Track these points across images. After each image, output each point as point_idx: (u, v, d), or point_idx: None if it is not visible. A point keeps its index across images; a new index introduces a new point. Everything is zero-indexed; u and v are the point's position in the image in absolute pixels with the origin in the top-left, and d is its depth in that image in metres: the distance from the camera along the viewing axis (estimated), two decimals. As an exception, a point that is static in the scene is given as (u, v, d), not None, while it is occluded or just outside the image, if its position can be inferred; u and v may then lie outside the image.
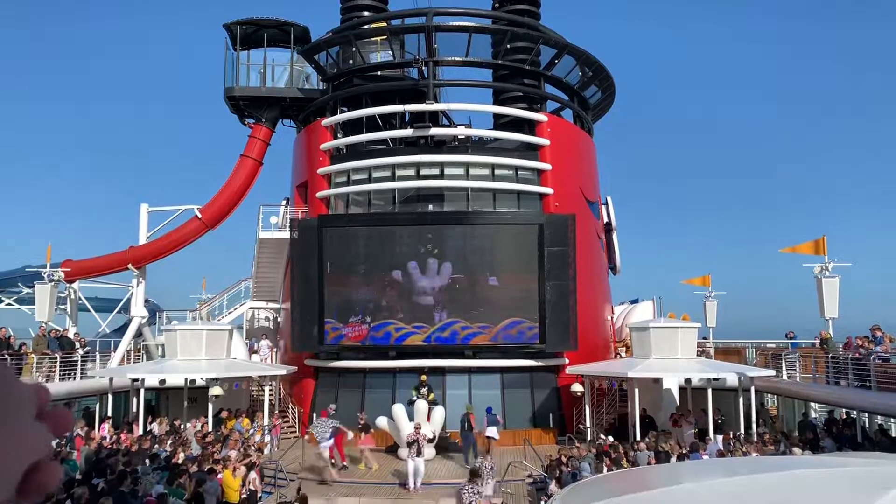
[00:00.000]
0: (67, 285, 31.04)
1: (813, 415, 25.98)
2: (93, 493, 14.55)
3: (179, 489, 15.45)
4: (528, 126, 29.13)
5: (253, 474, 18.14)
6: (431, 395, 23.91)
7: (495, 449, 22.63)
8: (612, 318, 32.39)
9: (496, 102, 30.46)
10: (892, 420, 20.68)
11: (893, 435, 20.59)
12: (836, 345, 24.07)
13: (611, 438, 21.70)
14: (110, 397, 24.76)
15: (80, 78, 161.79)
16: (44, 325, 27.87)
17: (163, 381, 24.77)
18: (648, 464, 17.46)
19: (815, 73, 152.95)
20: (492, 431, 22.97)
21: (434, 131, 27.91)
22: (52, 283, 29.33)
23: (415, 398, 23.38)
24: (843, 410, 22.97)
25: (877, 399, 19.46)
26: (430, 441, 22.29)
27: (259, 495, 18.34)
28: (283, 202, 32.57)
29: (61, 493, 14.33)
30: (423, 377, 24.59)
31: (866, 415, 21.94)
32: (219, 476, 17.12)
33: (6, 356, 22.09)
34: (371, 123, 29.27)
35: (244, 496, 17.67)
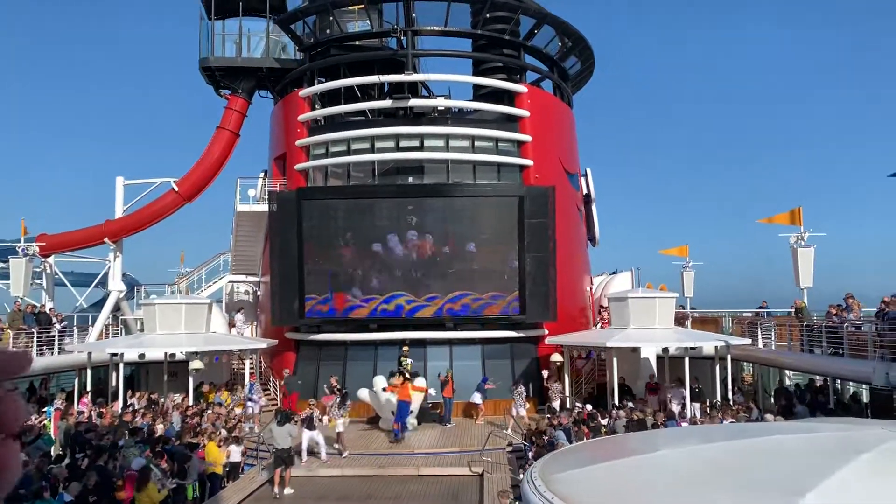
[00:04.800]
0: (43, 260, 30.66)
1: (787, 382, 26.49)
2: (74, 468, 14.55)
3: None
4: (507, 97, 28.97)
5: (236, 446, 18.21)
6: (409, 366, 24.08)
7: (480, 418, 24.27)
8: (591, 289, 32.64)
9: (476, 73, 30.19)
10: (864, 386, 21.14)
11: (865, 401, 21.04)
12: (811, 314, 24.48)
13: (588, 407, 22.00)
14: (89, 372, 24.60)
15: (50, 50, 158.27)
16: (19, 300, 27.55)
17: (142, 356, 24.64)
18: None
19: (794, 42, 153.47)
20: (475, 398, 24.38)
21: (413, 102, 27.66)
22: (27, 258, 28.94)
23: (396, 371, 23.60)
24: (818, 377, 23.44)
25: (849, 366, 19.87)
26: (411, 412, 22.61)
27: (241, 467, 18.42)
28: (261, 175, 32.26)
29: (43, 464, 14.32)
30: (406, 349, 24.72)
31: (839, 381, 22.41)
32: (201, 450, 17.18)
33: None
34: (349, 94, 28.96)
35: (227, 469, 17.76)
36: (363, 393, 23.06)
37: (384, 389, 22.17)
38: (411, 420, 22.52)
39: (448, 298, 25.85)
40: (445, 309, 25.85)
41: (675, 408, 21.79)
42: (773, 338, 25.22)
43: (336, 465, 18.83)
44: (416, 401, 22.34)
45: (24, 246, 29.15)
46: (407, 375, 22.60)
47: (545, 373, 26.01)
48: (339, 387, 23.10)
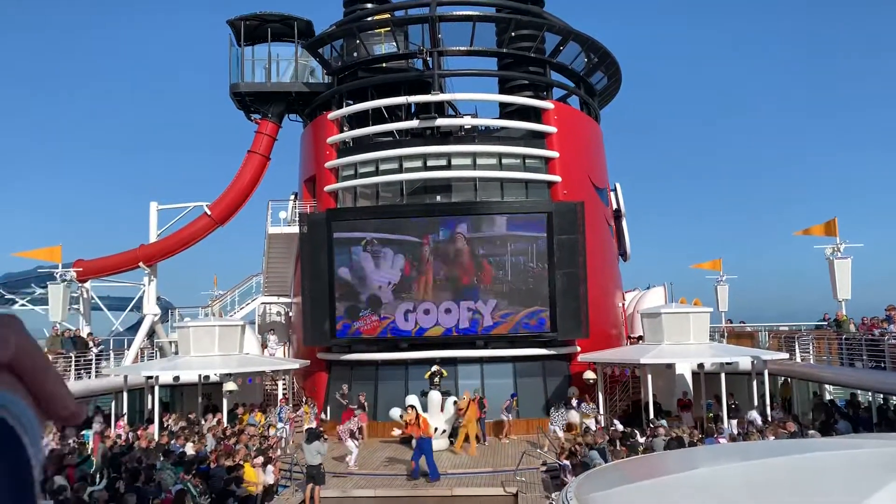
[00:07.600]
0: (80, 285, 31.25)
1: (827, 396, 25.87)
2: (113, 491, 14.69)
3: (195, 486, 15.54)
4: (534, 114, 28.97)
5: (270, 467, 18.27)
6: (439, 383, 24.05)
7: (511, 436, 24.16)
8: (623, 304, 32.30)
9: (502, 91, 30.29)
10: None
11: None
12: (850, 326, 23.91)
13: (620, 426, 21.64)
14: (125, 395, 24.94)
15: (87, 77, 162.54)
16: (57, 325, 28.09)
17: (177, 378, 24.92)
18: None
19: (823, 55, 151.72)
20: (504, 414, 24.33)
21: (440, 122, 27.81)
22: (65, 284, 29.53)
23: (428, 388, 23.62)
24: (860, 392, 22.86)
25: (891, 379, 19.35)
26: (443, 432, 22.54)
27: (276, 488, 18.47)
28: (292, 197, 32.58)
29: (81, 488, 14.48)
30: (437, 367, 24.68)
31: (881, 396, 21.82)
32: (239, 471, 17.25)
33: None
34: (377, 116, 29.21)
35: (261, 490, 17.79)
36: (395, 412, 22.99)
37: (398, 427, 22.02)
38: (442, 442, 22.41)
39: (466, 315, 25.77)
40: (460, 326, 25.81)
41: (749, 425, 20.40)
42: (811, 352, 24.67)
43: (370, 485, 18.79)
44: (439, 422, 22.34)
45: (61, 272, 29.76)
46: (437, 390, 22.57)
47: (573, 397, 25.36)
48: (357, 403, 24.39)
